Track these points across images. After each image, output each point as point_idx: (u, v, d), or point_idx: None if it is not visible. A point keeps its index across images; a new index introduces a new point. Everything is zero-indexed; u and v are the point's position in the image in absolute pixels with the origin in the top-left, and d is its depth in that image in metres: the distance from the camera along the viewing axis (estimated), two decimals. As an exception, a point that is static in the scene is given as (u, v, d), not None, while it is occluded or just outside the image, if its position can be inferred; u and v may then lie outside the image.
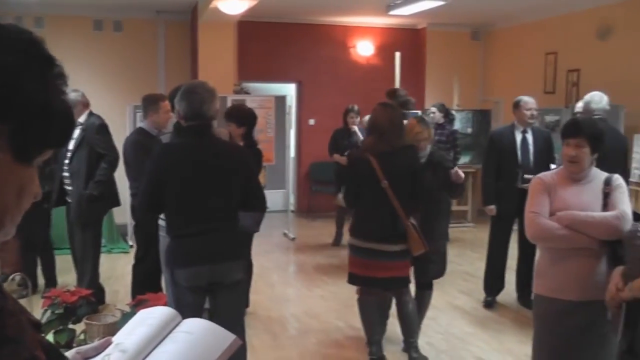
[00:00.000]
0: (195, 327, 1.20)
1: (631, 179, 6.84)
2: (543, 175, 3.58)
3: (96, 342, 1.13)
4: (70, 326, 3.38)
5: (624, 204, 3.36)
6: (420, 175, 4.78)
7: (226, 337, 1.18)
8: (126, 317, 3.15)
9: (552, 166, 5.82)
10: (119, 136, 6.46)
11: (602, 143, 3.47)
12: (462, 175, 5.12)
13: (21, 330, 0.88)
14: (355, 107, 8.62)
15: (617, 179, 3.46)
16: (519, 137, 6.27)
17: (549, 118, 8.91)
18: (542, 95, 9.27)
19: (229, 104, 7.94)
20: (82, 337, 3.30)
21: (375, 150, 4.72)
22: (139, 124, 5.93)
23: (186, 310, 3.58)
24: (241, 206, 3.86)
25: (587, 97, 5.83)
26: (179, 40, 10.63)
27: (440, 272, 5.30)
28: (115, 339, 1.16)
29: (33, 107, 0.87)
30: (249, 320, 5.77)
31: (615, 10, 8.50)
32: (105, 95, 9.95)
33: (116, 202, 6.27)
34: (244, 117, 5.73)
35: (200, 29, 9.57)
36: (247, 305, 6.14)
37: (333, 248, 9.05)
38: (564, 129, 3.53)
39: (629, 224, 3.23)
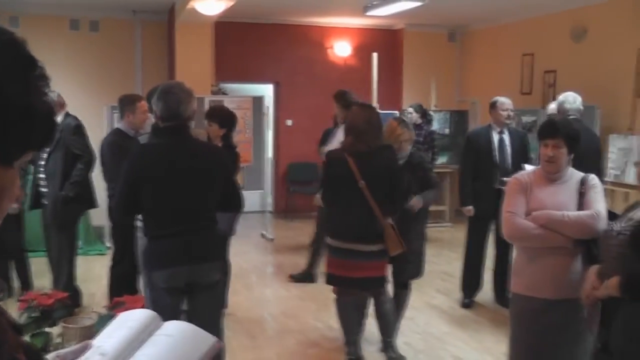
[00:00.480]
0: (176, 330, 1.19)
1: (607, 179, 6.93)
2: (519, 175, 3.62)
3: (75, 346, 1.12)
4: (47, 329, 3.35)
5: (599, 204, 3.40)
6: (398, 176, 4.79)
7: (207, 340, 1.18)
8: (103, 319, 3.13)
9: (527, 167, 5.87)
10: (96, 137, 6.42)
11: (578, 143, 3.52)
12: (417, 206, 5.08)
13: (2, 332, 0.87)
14: None
15: (593, 178, 3.50)
16: (496, 137, 6.31)
17: (526, 119, 8.99)
18: (518, 96, 9.34)
19: (206, 104, 7.92)
20: (58, 340, 3.28)
21: (353, 150, 4.72)
22: (116, 125, 5.89)
23: (164, 312, 3.53)
24: (219, 207, 3.85)
25: (561, 97, 5.88)
26: (156, 41, 10.57)
27: (418, 272, 5.32)
28: (95, 342, 1.15)
29: (15, 109, 0.86)
30: (227, 322, 5.75)
31: (589, 13, 8.59)
32: (81, 96, 9.85)
33: (92, 204, 6.21)
34: (226, 118, 5.74)
35: (177, 29, 9.53)
36: (225, 306, 6.12)
37: (310, 249, 9.04)
38: (541, 130, 3.56)
39: (604, 223, 3.27)
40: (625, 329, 2.85)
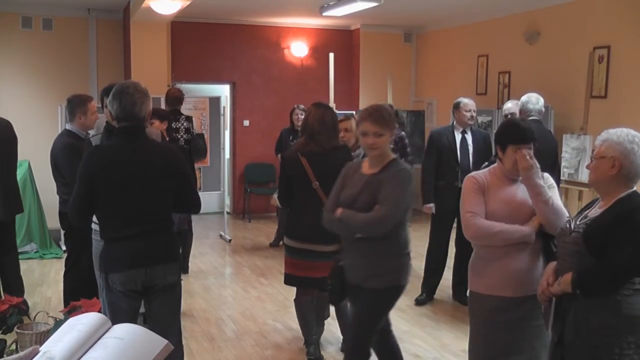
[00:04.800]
0: (126, 333, 1.17)
1: (561, 178, 7.04)
2: (475, 174, 3.62)
3: (22, 352, 1.10)
4: (1, 336, 3.27)
5: (558, 200, 3.45)
6: None
7: (158, 343, 1.16)
8: (59, 324, 3.06)
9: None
10: (49, 137, 6.26)
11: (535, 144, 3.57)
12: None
13: None
14: (301, 106, 8.57)
15: (548, 177, 3.55)
16: (458, 137, 6.41)
17: (481, 119, 9.09)
18: (474, 97, 9.36)
19: (163, 105, 7.82)
20: (13, 347, 3.21)
21: (306, 150, 4.72)
22: (66, 126, 5.65)
23: (122, 315, 3.51)
24: (176, 208, 3.80)
25: (525, 97, 5.96)
26: (111, 40, 10.44)
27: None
28: (43, 347, 1.12)
29: None
30: (185, 324, 5.71)
31: (542, 15, 8.72)
32: (35, 96, 9.74)
33: (18, 209, 6.01)
34: (161, 112, 5.79)
35: (132, 28, 9.42)
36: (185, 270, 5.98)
37: (269, 249, 9.04)
38: (519, 136, 3.48)
39: (564, 218, 3.31)
40: (576, 324, 2.91)
